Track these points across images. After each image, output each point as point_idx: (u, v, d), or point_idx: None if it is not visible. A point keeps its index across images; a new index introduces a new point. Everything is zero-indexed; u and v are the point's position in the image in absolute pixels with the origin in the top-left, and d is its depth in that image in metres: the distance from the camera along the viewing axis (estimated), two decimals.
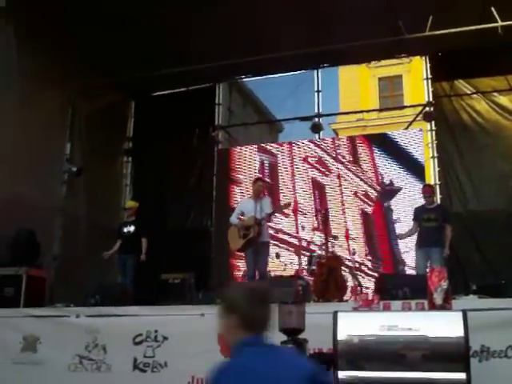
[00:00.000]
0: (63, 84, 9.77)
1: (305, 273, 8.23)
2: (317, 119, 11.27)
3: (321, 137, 11.40)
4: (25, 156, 8.77)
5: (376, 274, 9.57)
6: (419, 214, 8.37)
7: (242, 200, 9.06)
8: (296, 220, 10.70)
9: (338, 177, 10.77)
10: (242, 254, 8.57)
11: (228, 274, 10.66)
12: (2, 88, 8.62)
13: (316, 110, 11.40)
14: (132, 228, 9.01)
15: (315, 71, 11.52)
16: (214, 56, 9.99)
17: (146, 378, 5.95)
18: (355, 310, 4.15)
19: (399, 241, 9.57)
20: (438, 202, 9.91)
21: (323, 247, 7.97)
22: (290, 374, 2.17)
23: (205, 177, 11.28)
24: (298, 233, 10.65)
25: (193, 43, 9.73)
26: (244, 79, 13.18)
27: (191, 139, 11.40)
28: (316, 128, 11.16)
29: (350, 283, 7.99)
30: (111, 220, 9.97)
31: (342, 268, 7.78)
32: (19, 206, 8.38)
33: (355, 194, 10.61)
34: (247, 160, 11.35)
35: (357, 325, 3.73)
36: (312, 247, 10.15)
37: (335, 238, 8.51)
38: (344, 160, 10.82)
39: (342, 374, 3.53)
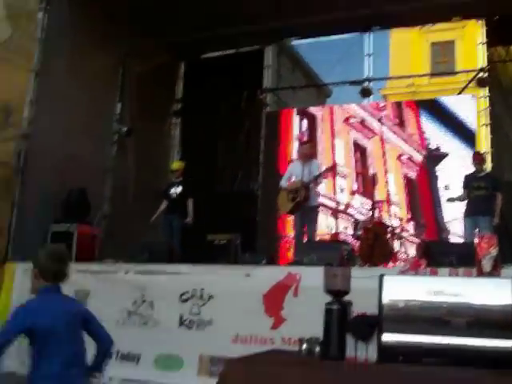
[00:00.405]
0: (114, 44, 9.83)
1: (347, 236, 8.21)
2: (366, 83, 11.10)
3: (370, 102, 11.24)
4: (76, 116, 8.91)
5: (418, 241, 9.47)
6: (469, 181, 8.21)
7: (292, 163, 9.03)
8: (334, 183, 10.62)
9: (381, 139, 10.61)
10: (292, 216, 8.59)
11: (275, 237, 10.71)
12: (55, 45, 8.73)
13: (366, 75, 11.22)
14: (179, 189, 9.05)
15: (366, 34, 11.29)
16: (263, 18, 9.93)
17: (191, 334, 6.09)
18: (402, 273, 4.14)
19: (446, 207, 9.36)
20: (489, 170, 9.76)
21: (369, 212, 7.94)
22: (70, 310, 3.25)
23: (252, 139, 11.29)
24: (335, 195, 10.60)
25: (242, 5, 9.63)
26: (293, 42, 13.03)
27: (239, 101, 11.39)
28: (365, 92, 11.00)
29: (396, 248, 7.93)
30: (160, 181, 10.09)
31: (388, 233, 7.75)
32: (71, 165, 8.58)
33: (399, 157, 10.46)
34: (294, 123, 11.29)
35: (402, 289, 3.72)
36: (350, 211, 10.09)
37: (381, 202, 8.44)
38: (389, 123, 10.64)
39: (385, 337, 3.55)
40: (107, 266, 7.02)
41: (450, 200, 8.59)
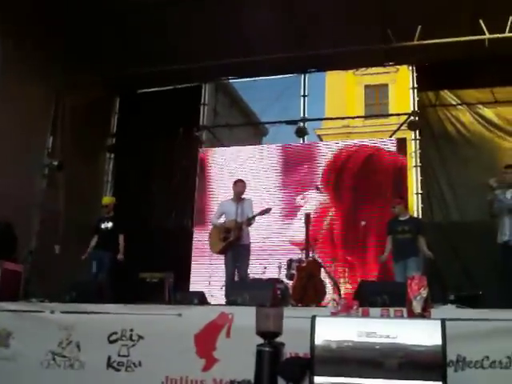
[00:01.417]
0: (47, 78, 9.69)
1: (284, 277, 8.18)
2: (302, 124, 11.27)
3: (305, 141, 11.39)
4: (5, 148, 8.67)
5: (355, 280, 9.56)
6: (393, 226, 8.33)
7: (223, 201, 9.00)
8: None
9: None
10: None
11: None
12: None
13: (301, 115, 11.40)
14: (110, 224, 8.93)
15: (302, 75, 11.53)
16: (201, 56, 9.99)
17: (119, 377, 5.85)
18: (334, 315, 4.12)
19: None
20: (419, 212, 10.02)
21: (303, 251, 7.95)
22: None
23: (187, 176, 11.21)
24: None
25: (180, 43, 9.70)
26: (230, 80, 13.14)
27: (175, 138, 11.36)
28: (300, 132, 11.17)
29: (329, 288, 7.94)
30: (90, 216, 9.82)
31: (322, 273, 7.76)
32: None
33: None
34: (230, 161, 11.29)
35: (335, 330, 3.71)
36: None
37: (316, 241, 8.48)
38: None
39: (318, 379, 3.50)
40: (32, 305, 6.71)
41: (381, 260, 8.68)
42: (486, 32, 8.85)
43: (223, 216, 8.34)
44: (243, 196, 8.38)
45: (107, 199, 9.53)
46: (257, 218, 8.20)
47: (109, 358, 5.91)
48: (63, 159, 9.96)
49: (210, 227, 8.69)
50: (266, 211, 8.39)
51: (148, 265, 8.10)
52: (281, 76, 11.77)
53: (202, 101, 11.77)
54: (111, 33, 9.32)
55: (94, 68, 10.00)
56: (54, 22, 9.07)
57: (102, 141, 11.83)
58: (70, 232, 9.84)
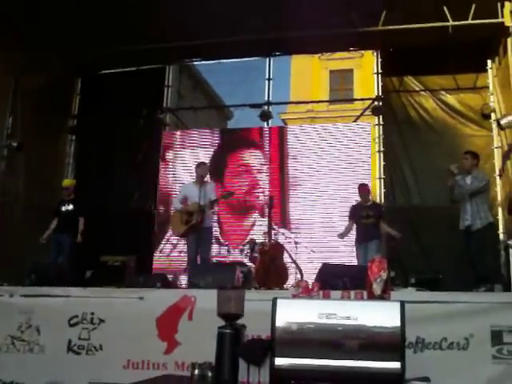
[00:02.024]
0: (6, 58, 9.41)
1: (247, 260, 8.20)
2: (266, 107, 11.24)
3: (269, 125, 11.37)
4: None
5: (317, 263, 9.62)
6: (356, 211, 8.50)
7: (186, 184, 8.96)
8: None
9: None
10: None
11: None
12: None
13: (266, 98, 11.36)
14: (70, 207, 8.86)
15: (267, 59, 11.48)
16: (165, 37, 9.86)
17: (80, 360, 5.83)
18: (295, 297, 4.14)
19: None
20: (381, 196, 10.14)
21: (266, 234, 7.97)
22: None
23: (150, 159, 11.10)
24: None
25: (144, 23, 9.52)
26: (195, 62, 13.01)
27: (138, 120, 11.22)
28: (265, 116, 11.13)
29: (292, 271, 7.98)
30: (52, 199, 9.65)
31: (284, 256, 7.79)
32: None
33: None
34: (194, 144, 11.22)
35: (296, 312, 3.73)
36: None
37: (278, 225, 8.51)
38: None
39: (278, 361, 3.52)
40: None
41: (340, 236, 8.79)
42: (450, 19, 8.92)
43: (187, 200, 8.29)
44: (205, 179, 8.35)
45: (67, 181, 9.41)
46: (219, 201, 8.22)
47: (69, 342, 5.89)
48: (23, 140, 9.74)
49: (173, 210, 8.65)
50: (229, 195, 8.37)
51: (110, 248, 8.04)
52: (246, 59, 11.69)
53: (166, 83, 11.60)
54: (72, 12, 9.08)
55: (55, 48, 9.75)
56: (10, 0, 8.80)
57: (64, 122, 11.59)
58: (30, 214, 9.66)
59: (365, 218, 8.33)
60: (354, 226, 8.53)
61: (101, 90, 11.34)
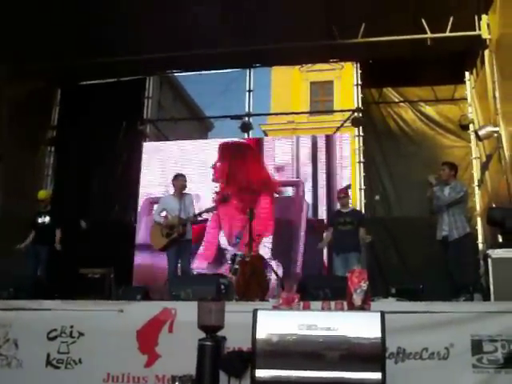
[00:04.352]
0: None
1: (227, 271, 8.16)
2: (247, 118, 11.26)
3: (250, 136, 11.39)
4: None
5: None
6: (334, 218, 8.45)
7: (165, 196, 8.90)
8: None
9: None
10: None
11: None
12: None
13: (246, 110, 11.39)
14: (47, 219, 8.81)
15: (247, 70, 11.52)
16: (145, 48, 9.86)
17: (59, 374, 5.74)
18: (275, 308, 4.13)
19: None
20: (362, 206, 10.17)
21: (246, 245, 7.95)
22: None
23: (131, 170, 11.04)
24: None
25: (124, 34, 9.50)
26: (175, 74, 13.02)
27: (118, 131, 11.16)
28: (245, 127, 11.15)
29: (273, 283, 7.97)
30: (30, 210, 9.55)
31: (265, 267, 7.77)
32: None
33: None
34: (175, 156, 11.17)
35: (276, 323, 3.72)
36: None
37: (259, 237, 8.48)
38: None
39: (259, 373, 3.50)
40: None
41: (320, 247, 8.79)
42: (428, 31, 9.03)
43: (165, 212, 8.24)
44: (184, 191, 8.31)
45: (42, 193, 9.25)
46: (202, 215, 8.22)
47: (48, 356, 5.80)
48: (2, 151, 9.64)
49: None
50: (212, 209, 8.37)
51: (89, 260, 7.95)
52: (226, 70, 11.74)
53: (146, 94, 11.58)
54: (52, 22, 9.04)
55: (34, 58, 9.69)
56: None
57: (43, 133, 11.50)
58: (8, 226, 9.54)
59: (342, 224, 8.16)
60: None
61: (81, 101, 11.27)
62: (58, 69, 10.48)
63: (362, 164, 10.56)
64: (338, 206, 8.65)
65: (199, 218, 8.47)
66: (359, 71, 10.91)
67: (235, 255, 8.02)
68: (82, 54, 9.82)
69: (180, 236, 7.87)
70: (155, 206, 9.19)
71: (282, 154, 10.78)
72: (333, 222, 8.40)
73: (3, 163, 9.72)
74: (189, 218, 7.92)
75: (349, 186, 9.30)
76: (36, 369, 5.78)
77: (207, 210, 8.37)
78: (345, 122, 11.42)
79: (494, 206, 8.60)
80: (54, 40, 9.46)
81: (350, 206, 8.82)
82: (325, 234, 8.56)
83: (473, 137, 9.88)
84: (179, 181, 8.24)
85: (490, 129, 8.61)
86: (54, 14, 8.94)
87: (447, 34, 9.00)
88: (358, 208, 9.96)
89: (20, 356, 5.88)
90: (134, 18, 9.19)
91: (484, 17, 8.95)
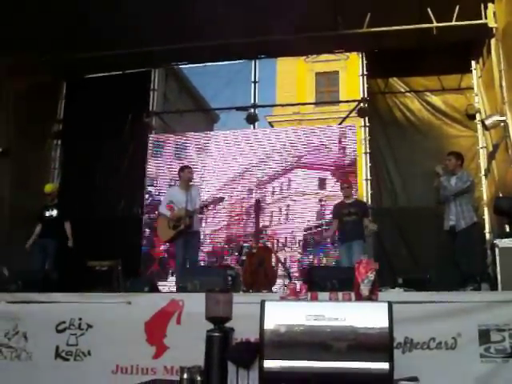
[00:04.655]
0: None
1: (235, 263, 8.19)
2: (252, 110, 11.25)
3: (256, 128, 11.38)
4: None
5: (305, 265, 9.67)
6: (339, 209, 8.43)
7: (171, 189, 8.93)
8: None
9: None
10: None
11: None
12: None
13: (252, 101, 11.38)
14: (54, 212, 8.84)
15: (253, 62, 11.50)
16: (150, 41, 9.84)
17: (68, 366, 5.77)
18: (283, 299, 4.14)
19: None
20: (368, 197, 10.16)
21: (254, 237, 7.98)
22: None
23: (137, 162, 11.05)
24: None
25: (129, 26, 9.48)
26: (181, 66, 13.00)
27: (124, 124, 11.15)
28: (251, 119, 11.14)
29: (280, 274, 7.98)
30: (38, 203, 9.59)
31: (273, 258, 7.79)
32: None
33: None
34: (180, 148, 11.18)
35: (284, 314, 3.73)
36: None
37: (266, 228, 8.51)
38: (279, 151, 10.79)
39: (267, 363, 3.51)
40: None
41: (326, 237, 8.82)
42: (434, 20, 8.98)
43: (173, 204, 8.25)
44: (191, 183, 8.33)
45: (49, 187, 9.28)
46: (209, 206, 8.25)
47: (57, 348, 5.83)
48: (8, 145, 9.68)
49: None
50: (220, 200, 8.37)
51: (97, 253, 7.99)
52: (231, 62, 11.72)
53: (152, 86, 11.57)
54: (57, 14, 9.04)
55: (39, 51, 9.71)
56: None
57: (49, 127, 11.54)
58: (16, 219, 9.59)
59: (347, 215, 8.20)
60: None
61: (86, 94, 11.25)
62: (64, 62, 10.48)
63: (368, 154, 10.55)
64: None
65: (206, 210, 8.48)
66: (365, 61, 10.88)
67: (242, 247, 8.05)
68: (87, 46, 9.82)
69: (187, 228, 7.88)
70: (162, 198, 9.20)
71: (287, 145, 10.77)
72: (337, 214, 8.41)
73: (9, 157, 9.76)
74: (195, 209, 7.93)
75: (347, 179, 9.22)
76: (45, 361, 5.81)
77: (214, 202, 8.39)
78: (350, 112, 11.39)
79: (500, 195, 8.58)
80: (58, 32, 9.47)
81: (354, 196, 8.83)
82: (331, 227, 8.59)
83: (479, 126, 9.86)
84: (186, 173, 8.25)
85: (496, 118, 8.58)
86: (59, 6, 8.92)
87: (453, 23, 8.94)
88: (364, 199, 9.98)
89: (29, 348, 5.91)
90: (140, 9, 9.17)
91: (490, 5, 8.89)
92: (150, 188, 10.96)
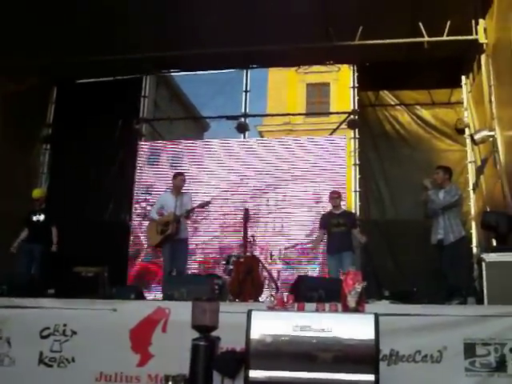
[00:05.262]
0: None
1: (222, 272, 8.17)
2: (243, 119, 11.26)
3: (246, 137, 11.38)
4: None
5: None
6: (327, 220, 8.45)
7: (162, 194, 8.97)
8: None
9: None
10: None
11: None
12: None
13: (243, 110, 11.39)
14: (42, 217, 8.84)
15: (244, 71, 11.51)
16: (142, 47, 9.84)
17: (51, 373, 5.74)
18: (270, 309, 4.13)
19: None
20: (356, 209, 10.18)
21: (241, 246, 7.96)
22: None
23: (126, 169, 11.01)
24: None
25: (121, 33, 9.50)
26: (172, 73, 13.01)
27: (114, 130, 11.11)
28: (241, 128, 11.15)
29: (267, 283, 7.96)
30: (25, 208, 9.52)
31: (260, 268, 7.77)
32: None
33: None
34: (171, 155, 11.15)
35: (270, 324, 3.72)
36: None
37: (253, 237, 8.48)
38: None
39: (253, 373, 3.50)
40: None
41: (313, 246, 8.84)
42: (425, 35, 9.05)
43: (163, 210, 8.28)
44: (182, 190, 8.35)
45: (37, 192, 9.27)
46: (196, 211, 8.26)
47: (41, 354, 5.80)
48: None
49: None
50: (205, 204, 8.37)
51: (84, 259, 7.92)
52: (223, 71, 11.73)
53: (143, 93, 11.57)
54: (48, 20, 9.02)
55: (29, 55, 9.65)
56: None
57: (38, 131, 11.48)
58: (2, 224, 9.50)
59: (335, 226, 8.23)
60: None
61: (77, 99, 11.22)
62: (54, 66, 10.43)
63: (357, 166, 10.58)
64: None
65: (192, 214, 8.48)
66: (356, 73, 10.93)
67: (230, 256, 8.03)
68: (78, 51, 9.77)
69: (174, 233, 7.88)
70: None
71: (276, 155, 10.77)
72: (326, 224, 8.41)
73: None
74: (182, 213, 7.95)
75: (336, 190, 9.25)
76: (29, 367, 5.78)
77: (200, 206, 8.38)
78: (341, 124, 11.41)
79: (488, 209, 8.62)
80: (49, 37, 9.44)
81: (343, 207, 8.85)
82: (316, 236, 8.61)
83: (468, 141, 9.91)
84: (178, 180, 8.35)
85: (485, 133, 8.62)
86: (51, 11, 8.91)
87: (444, 37, 9.01)
88: (352, 210, 9.99)
89: (13, 354, 5.87)
90: (132, 16, 9.19)
91: (481, 21, 8.96)
92: (146, 195, 10.89)
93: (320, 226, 8.57)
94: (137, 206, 10.88)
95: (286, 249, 10.09)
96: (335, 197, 8.50)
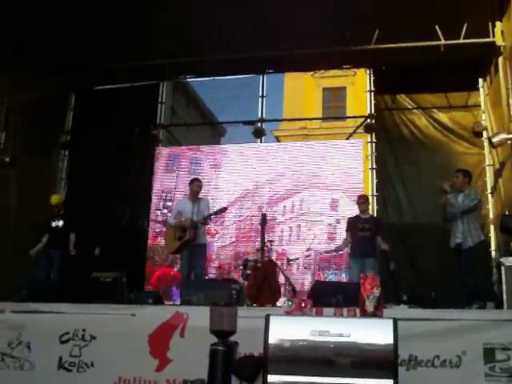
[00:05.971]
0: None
1: (239, 277, 8.18)
2: (259, 124, 11.28)
3: (262, 142, 11.39)
4: None
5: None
6: (354, 223, 8.42)
7: (180, 200, 9.00)
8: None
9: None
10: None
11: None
12: None
13: (259, 115, 11.41)
14: (61, 222, 8.89)
15: (260, 76, 11.54)
16: (159, 54, 9.91)
17: (71, 377, 5.76)
18: (287, 314, 4.13)
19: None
20: (371, 212, 10.14)
21: (258, 251, 7.96)
22: None
23: (143, 175, 11.08)
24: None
25: (139, 40, 9.57)
26: (188, 79, 13.08)
27: (131, 136, 11.14)
28: (258, 133, 11.18)
29: (285, 288, 7.97)
30: (43, 214, 9.62)
31: (277, 273, 7.78)
32: None
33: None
34: (189, 161, 11.21)
35: (288, 329, 3.72)
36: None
37: (271, 242, 8.50)
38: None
39: (271, 378, 3.50)
40: None
41: (337, 249, 8.83)
42: (442, 38, 9.01)
43: (181, 216, 8.29)
44: (200, 195, 8.37)
45: (55, 198, 9.32)
46: (213, 217, 8.27)
47: (60, 359, 5.83)
48: (15, 155, 9.71)
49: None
50: (222, 210, 8.38)
51: (102, 264, 7.98)
52: (239, 76, 11.78)
53: (160, 99, 11.65)
54: (65, 27, 9.11)
55: (48, 63, 9.77)
56: (2, 15, 8.80)
57: (57, 138, 11.60)
58: (21, 229, 9.61)
59: (361, 230, 8.19)
60: None
61: (94, 105, 11.34)
62: (72, 74, 10.54)
63: (374, 170, 10.55)
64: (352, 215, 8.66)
65: (210, 220, 8.51)
66: (372, 77, 10.92)
67: (247, 260, 8.04)
68: (96, 59, 9.88)
69: (192, 239, 7.89)
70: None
71: (293, 160, 10.78)
72: (352, 227, 8.40)
73: (16, 167, 9.80)
74: (199, 220, 7.95)
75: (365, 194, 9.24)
76: (48, 371, 5.81)
77: (216, 212, 8.40)
78: (357, 128, 11.40)
79: (507, 213, 8.55)
80: (68, 45, 9.54)
81: (369, 212, 8.83)
82: (344, 238, 8.59)
83: (486, 144, 9.85)
84: (194, 185, 8.34)
85: (503, 136, 8.56)
86: (69, 18, 8.99)
87: (461, 40, 8.97)
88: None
89: (32, 358, 5.91)
90: (148, 23, 9.25)
91: (498, 24, 8.92)
92: (164, 202, 10.96)
93: (347, 229, 8.54)
94: (157, 212, 10.96)
95: (304, 254, 10.08)
96: (362, 201, 8.49)
